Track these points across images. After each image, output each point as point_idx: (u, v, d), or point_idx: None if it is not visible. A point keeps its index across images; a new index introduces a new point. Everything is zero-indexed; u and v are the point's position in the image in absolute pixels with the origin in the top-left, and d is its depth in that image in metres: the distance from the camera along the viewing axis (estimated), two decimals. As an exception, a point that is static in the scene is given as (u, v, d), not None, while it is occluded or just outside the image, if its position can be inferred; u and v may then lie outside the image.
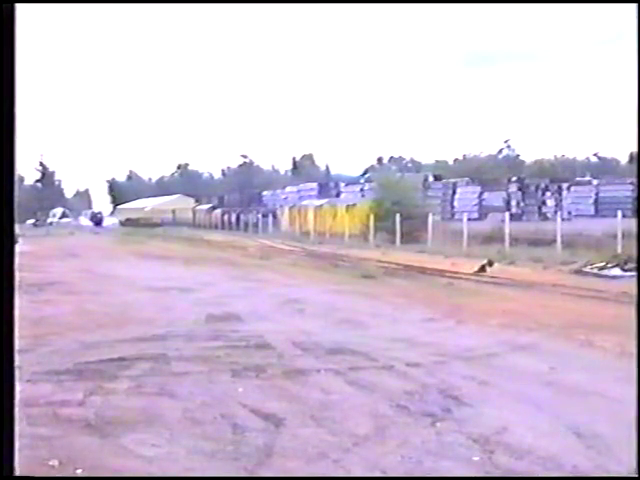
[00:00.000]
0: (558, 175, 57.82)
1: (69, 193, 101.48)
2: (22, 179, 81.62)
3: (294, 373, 6.04)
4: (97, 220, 68.73)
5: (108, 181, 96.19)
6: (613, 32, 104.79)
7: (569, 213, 40.74)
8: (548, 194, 44.10)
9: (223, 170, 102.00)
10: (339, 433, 4.43)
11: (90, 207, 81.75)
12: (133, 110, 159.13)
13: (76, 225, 64.79)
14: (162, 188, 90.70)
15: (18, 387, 2.71)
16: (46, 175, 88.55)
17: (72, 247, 28.22)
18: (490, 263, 16.47)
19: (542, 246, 20.80)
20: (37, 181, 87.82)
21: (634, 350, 5.91)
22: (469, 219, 26.13)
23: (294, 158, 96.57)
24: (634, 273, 13.54)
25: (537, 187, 44.73)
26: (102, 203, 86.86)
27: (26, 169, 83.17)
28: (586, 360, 6.67)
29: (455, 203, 45.52)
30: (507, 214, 25.09)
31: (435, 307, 10.24)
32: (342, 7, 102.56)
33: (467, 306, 10.36)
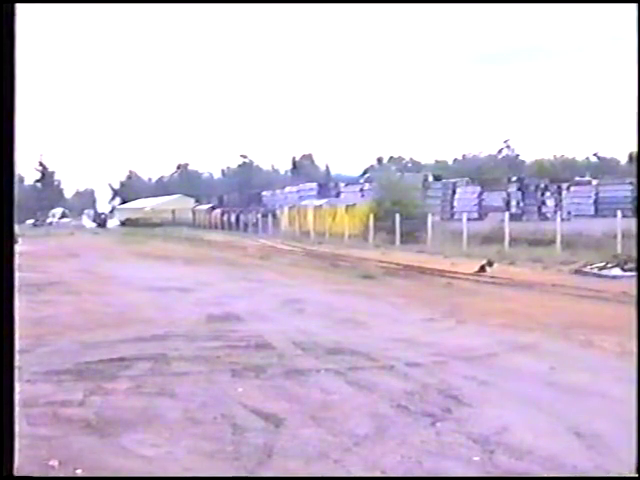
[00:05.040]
0: (558, 175, 57.84)
1: (69, 193, 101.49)
2: (22, 179, 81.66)
3: (294, 373, 6.04)
4: (101, 221, 68.26)
5: (121, 181, 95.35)
6: (613, 32, 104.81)
7: (569, 213, 40.75)
8: (548, 194, 44.12)
9: (223, 170, 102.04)
10: (339, 433, 4.43)
11: (94, 207, 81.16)
12: (133, 110, 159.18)
13: (76, 225, 64.68)
14: (162, 188, 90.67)
15: (18, 387, 2.71)
16: (46, 175, 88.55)
17: (72, 247, 28.21)
18: (490, 263, 16.46)
19: (542, 246, 20.81)
20: (37, 181, 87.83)
21: (634, 350, 5.91)
22: (469, 219, 26.14)
23: (294, 158, 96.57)
24: (634, 273, 13.54)
25: (537, 187, 44.76)
26: (104, 203, 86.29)
27: (26, 169, 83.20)
28: (586, 360, 6.67)
29: (455, 203, 45.52)
30: (507, 214, 25.12)
31: (435, 307, 10.24)
32: (342, 7, 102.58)
33: (467, 306, 10.36)
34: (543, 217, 39.09)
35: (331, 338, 7.67)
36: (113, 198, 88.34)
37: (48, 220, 69.45)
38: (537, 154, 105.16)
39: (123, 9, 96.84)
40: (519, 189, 44.10)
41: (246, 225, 47.99)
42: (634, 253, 14.46)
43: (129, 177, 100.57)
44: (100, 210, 78.03)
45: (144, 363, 6.39)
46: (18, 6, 2.54)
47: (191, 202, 68.56)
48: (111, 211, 77.80)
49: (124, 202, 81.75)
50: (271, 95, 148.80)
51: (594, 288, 12.29)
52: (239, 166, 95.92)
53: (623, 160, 76.29)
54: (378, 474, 3.82)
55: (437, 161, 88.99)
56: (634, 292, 10.05)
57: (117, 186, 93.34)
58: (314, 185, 56.91)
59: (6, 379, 2.50)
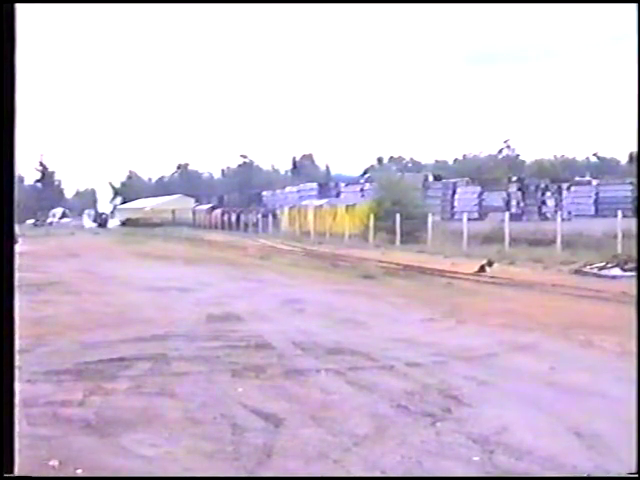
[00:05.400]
0: (558, 175, 57.87)
1: (69, 193, 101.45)
2: (22, 179, 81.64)
3: (294, 373, 6.04)
4: (101, 221, 67.86)
5: (122, 181, 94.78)
6: (614, 33, 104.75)
7: (569, 213, 40.79)
8: (548, 194, 44.18)
9: (223, 170, 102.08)
10: (339, 433, 4.42)
11: (94, 207, 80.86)
12: (133, 110, 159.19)
13: (76, 225, 64.58)
14: (162, 188, 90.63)
15: (18, 387, 2.71)
16: (46, 175, 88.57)
17: (72, 247, 28.20)
18: (490, 263, 16.46)
19: (542, 246, 20.82)
20: (37, 181, 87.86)
21: (634, 350, 5.91)
22: (469, 219, 26.13)
23: (294, 158, 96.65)
24: (634, 273, 13.54)
25: (537, 187, 44.82)
26: (105, 203, 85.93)
27: (26, 169, 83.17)
28: (586, 360, 6.67)
29: (455, 203, 45.59)
30: (507, 214, 25.13)
31: (435, 307, 10.23)
32: (342, 7, 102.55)
33: (467, 306, 10.36)
34: (543, 217, 39.15)
35: (331, 338, 7.67)
36: (114, 197, 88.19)
37: (48, 220, 69.36)
38: (537, 154, 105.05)
39: (123, 9, 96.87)
40: (519, 189, 44.14)
41: (246, 225, 48.00)
42: (634, 253, 14.47)
43: (129, 177, 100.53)
44: (101, 210, 77.86)
45: (144, 363, 6.39)
46: (18, 6, 2.54)
47: (191, 202, 68.53)
48: (112, 211, 77.65)
49: (124, 202, 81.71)
50: (271, 95, 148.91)
51: (594, 288, 12.28)
52: (239, 166, 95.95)
53: (623, 160, 76.39)
54: (378, 474, 3.82)
55: (437, 161, 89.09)
56: (634, 292, 10.05)
57: (117, 186, 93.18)
58: (314, 185, 57.02)
59: (6, 379, 2.51)
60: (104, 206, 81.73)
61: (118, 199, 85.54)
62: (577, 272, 15.52)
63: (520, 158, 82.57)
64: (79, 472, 3.82)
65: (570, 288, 12.54)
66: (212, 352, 6.90)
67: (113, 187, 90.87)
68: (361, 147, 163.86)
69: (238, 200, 61.87)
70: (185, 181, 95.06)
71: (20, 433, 2.79)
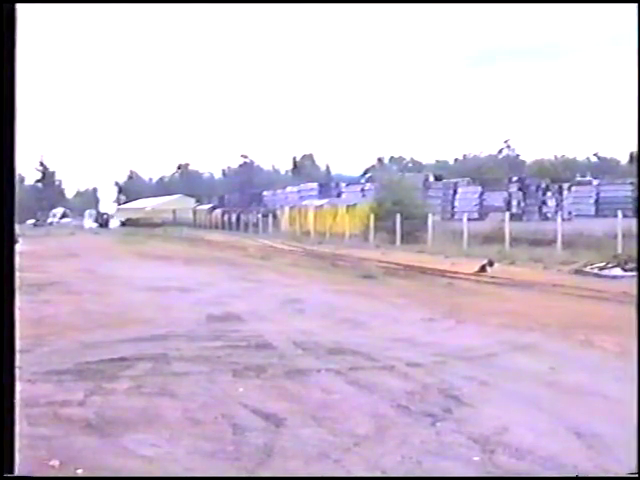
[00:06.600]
0: (558, 175, 57.85)
1: (69, 193, 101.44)
2: (22, 179, 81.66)
3: (295, 373, 6.04)
4: (103, 221, 67.52)
5: (123, 181, 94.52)
6: (613, 32, 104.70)
7: (569, 213, 40.73)
8: (549, 194, 44.12)
9: (224, 170, 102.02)
10: (339, 433, 4.43)
11: (96, 207, 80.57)
12: (133, 110, 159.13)
13: (77, 225, 64.52)
14: (163, 188, 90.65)
15: (18, 387, 2.71)
16: (46, 175, 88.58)
17: (72, 247, 28.20)
18: (490, 263, 16.46)
19: (542, 246, 20.82)
20: (37, 181, 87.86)
21: (634, 350, 5.91)
22: (469, 219, 26.15)
23: (294, 158, 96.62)
24: (634, 273, 13.54)
25: (537, 187, 44.76)
26: (108, 203, 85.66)
27: (26, 169, 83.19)
28: (586, 360, 6.67)
29: (456, 203, 45.54)
30: (507, 214, 25.12)
31: (435, 307, 10.23)
32: (342, 7, 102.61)
33: (467, 306, 10.36)
34: (544, 217, 39.12)
35: (331, 338, 7.67)
36: (119, 196, 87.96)
37: (49, 220, 69.32)
38: (538, 154, 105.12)
39: (123, 9, 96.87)
40: (520, 189, 44.10)
41: (247, 225, 48.00)
42: (634, 253, 14.47)
43: (130, 177, 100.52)
44: (102, 210, 77.72)
45: (145, 363, 6.39)
46: (18, 6, 2.54)
47: (192, 202, 68.53)
48: (117, 210, 77.45)
49: (125, 202, 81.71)
50: (271, 95, 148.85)
51: (594, 288, 12.29)
52: (240, 166, 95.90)
53: (623, 160, 76.34)
54: (378, 474, 3.82)
55: (438, 161, 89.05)
56: (634, 292, 10.05)
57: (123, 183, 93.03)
58: (315, 185, 57.02)
59: (6, 379, 2.51)
60: (106, 206, 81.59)
61: (123, 198, 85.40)
62: (577, 272, 15.52)
63: (520, 158, 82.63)
64: (79, 472, 3.82)
65: (570, 288, 12.54)
66: (213, 352, 6.90)
67: (119, 186, 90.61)
68: (361, 147, 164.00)
69: (239, 200, 61.88)
70: (186, 181, 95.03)
71: (20, 433, 2.79)
